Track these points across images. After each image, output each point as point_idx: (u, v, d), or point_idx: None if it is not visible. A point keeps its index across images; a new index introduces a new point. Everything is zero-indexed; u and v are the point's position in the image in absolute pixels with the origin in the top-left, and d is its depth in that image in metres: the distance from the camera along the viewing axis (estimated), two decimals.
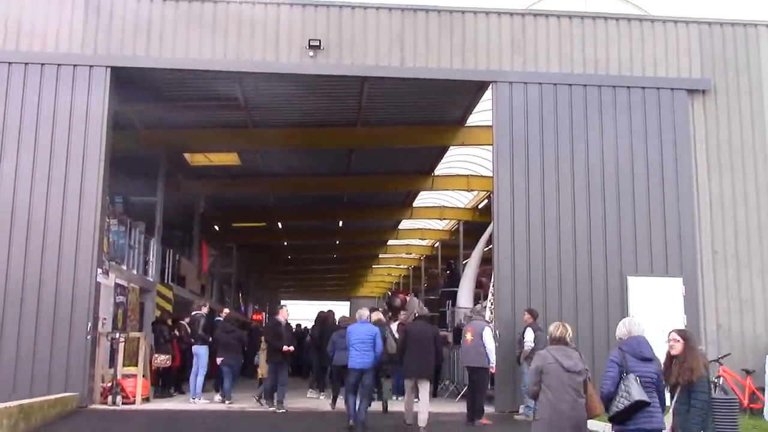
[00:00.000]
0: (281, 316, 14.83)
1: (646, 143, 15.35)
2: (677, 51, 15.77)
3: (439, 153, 23.23)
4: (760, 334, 14.87)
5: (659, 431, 6.70)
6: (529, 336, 13.16)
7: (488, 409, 13.66)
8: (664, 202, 15.17)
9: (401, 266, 49.17)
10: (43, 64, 14.47)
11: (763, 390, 14.11)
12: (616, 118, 15.37)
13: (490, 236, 17.06)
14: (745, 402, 13.78)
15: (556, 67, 15.50)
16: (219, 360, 15.17)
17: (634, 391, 6.44)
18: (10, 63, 14.42)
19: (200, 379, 15.28)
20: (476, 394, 13.01)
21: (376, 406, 13.48)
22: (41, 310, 13.62)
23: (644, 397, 6.44)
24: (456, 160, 24.38)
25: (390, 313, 26.93)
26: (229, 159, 23.64)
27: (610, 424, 7.00)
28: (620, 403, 6.50)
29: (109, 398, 14.00)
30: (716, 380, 13.95)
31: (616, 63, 15.62)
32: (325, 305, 21.04)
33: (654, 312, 14.66)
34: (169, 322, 17.04)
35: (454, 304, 22.34)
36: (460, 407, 14.12)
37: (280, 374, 13.94)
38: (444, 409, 14.10)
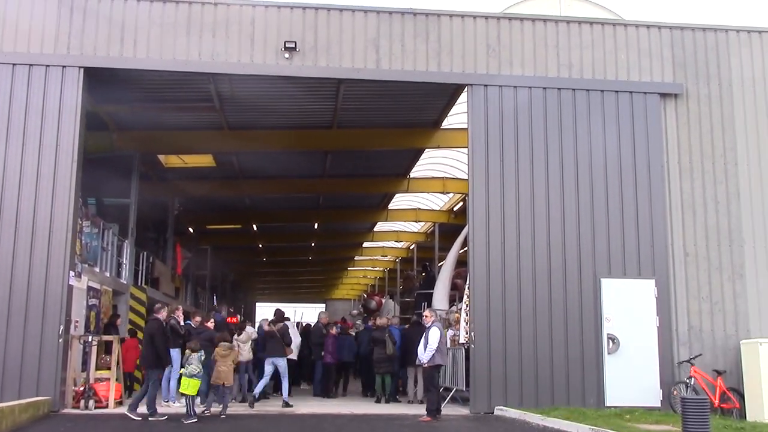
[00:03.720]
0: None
1: (619, 147, 15.51)
2: (650, 55, 15.95)
3: (415, 155, 23.27)
4: (731, 335, 15.08)
5: None
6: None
7: (464, 410, 13.69)
8: (637, 205, 15.33)
9: (377, 268, 49.16)
10: (14, 65, 14.29)
11: (733, 390, 14.33)
12: (590, 122, 15.52)
13: (466, 238, 17.14)
14: (716, 402, 13.99)
15: (531, 70, 15.61)
16: None
17: None
18: None
19: (173, 382, 15.16)
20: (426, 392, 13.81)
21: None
22: (12, 312, 13.46)
23: None
24: (431, 162, 24.43)
25: (366, 315, 26.99)
26: (204, 160, 23.50)
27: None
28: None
29: (82, 402, 13.87)
30: (688, 380, 14.19)
31: (590, 67, 15.76)
32: (300, 307, 20.98)
33: (627, 313, 14.85)
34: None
35: (429, 306, 22.37)
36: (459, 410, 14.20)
37: None
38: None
